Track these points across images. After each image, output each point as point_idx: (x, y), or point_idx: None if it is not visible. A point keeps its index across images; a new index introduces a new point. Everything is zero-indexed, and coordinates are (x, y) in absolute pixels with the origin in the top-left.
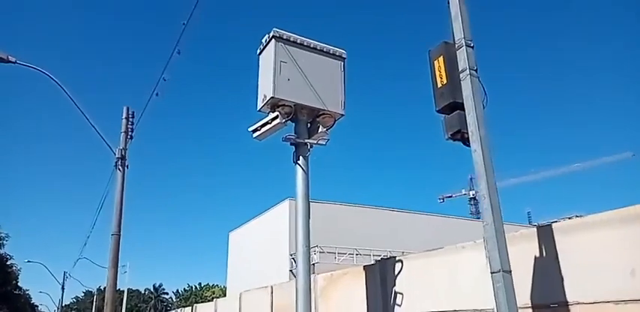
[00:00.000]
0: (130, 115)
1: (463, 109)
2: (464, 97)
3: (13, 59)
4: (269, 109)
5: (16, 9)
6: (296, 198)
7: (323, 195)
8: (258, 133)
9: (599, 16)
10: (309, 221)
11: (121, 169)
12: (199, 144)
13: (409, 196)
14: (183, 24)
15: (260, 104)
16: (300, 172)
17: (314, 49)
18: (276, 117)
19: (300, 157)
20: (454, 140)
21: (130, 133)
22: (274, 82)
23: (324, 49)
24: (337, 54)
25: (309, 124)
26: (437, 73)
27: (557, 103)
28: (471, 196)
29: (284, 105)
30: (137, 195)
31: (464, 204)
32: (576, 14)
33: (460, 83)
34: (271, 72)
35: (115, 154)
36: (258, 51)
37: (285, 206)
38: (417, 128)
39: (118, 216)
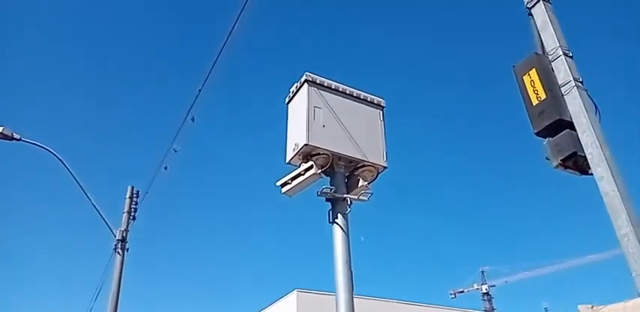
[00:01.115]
0: (135, 195)
1: (572, 128)
2: (572, 114)
3: (18, 136)
4: (300, 160)
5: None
6: (335, 265)
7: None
8: (288, 187)
9: None
10: (352, 296)
11: (120, 252)
12: (205, 228)
13: (418, 291)
14: (199, 90)
15: (290, 155)
16: (338, 233)
17: (350, 96)
18: (311, 167)
19: (339, 215)
20: (565, 168)
21: (132, 214)
22: (308, 129)
23: (361, 97)
24: (375, 102)
25: (346, 179)
26: (529, 88)
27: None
28: (484, 290)
29: (318, 154)
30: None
31: (477, 299)
32: None
33: (563, 98)
34: (304, 118)
35: (115, 236)
36: (287, 99)
37: (292, 299)
38: (423, 219)
39: (114, 306)
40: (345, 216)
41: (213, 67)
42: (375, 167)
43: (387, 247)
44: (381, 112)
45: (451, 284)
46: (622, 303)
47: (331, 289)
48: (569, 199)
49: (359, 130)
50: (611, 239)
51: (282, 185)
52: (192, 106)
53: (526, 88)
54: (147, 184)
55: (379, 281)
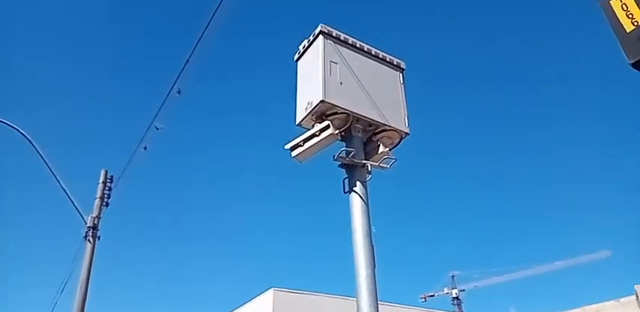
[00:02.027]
0: (108, 180)
1: None
2: None
3: None
4: (313, 122)
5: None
6: (353, 239)
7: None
8: (299, 150)
9: None
10: (374, 272)
11: (91, 240)
12: (177, 220)
13: (389, 294)
14: (187, 60)
15: (302, 115)
16: (357, 201)
17: (368, 54)
18: (327, 127)
19: (357, 183)
20: None
21: (105, 200)
22: (324, 84)
23: (380, 56)
24: (395, 63)
25: (364, 145)
26: (620, 14)
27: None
28: (454, 295)
29: (335, 114)
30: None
31: (447, 304)
32: None
33: None
34: (319, 73)
35: (85, 223)
36: (296, 56)
37: (268, 297)
38: (396, 222)
39: (82, 297)
40: (365, 184)
41: (202, 35)
42: (397, 132)
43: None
44: (401, 74)
45: (422, 288)
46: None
47: (307, 288)
48: (542, 204)
49: (378, 92)
50: (577, 247)
51: (293, 148)
52: (179, 76)
53: (616, 14)
54: (126, 166)
55: (350, 282)
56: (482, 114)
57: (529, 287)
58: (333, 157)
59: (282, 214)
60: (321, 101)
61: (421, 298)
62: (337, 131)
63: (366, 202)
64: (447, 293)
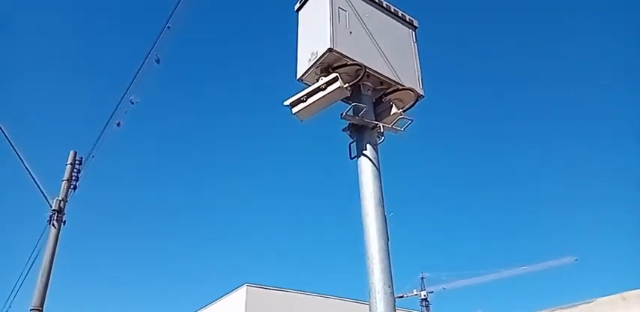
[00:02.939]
0: (77, 161)
1: None
2: None
3: None
4: (318, 75)
5: None
6: (363, 209)
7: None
8: (301, 106)
9: None
10: (388, 246)
11: (55, 225)
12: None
13: (359, 294)
14: (168, 27)
15: (304, 67)
16: (367, 167)
17: (380, 6)
18: (335, 80)
19: (368, 146)
20: None
21: (73, 182)
22: (333, 31)
23: (392, 9)
24: (408, 20)
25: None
26: None
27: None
28: (423, 296)
29: (345, 66)
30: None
31: (415, 304)
32: None
33: None
34: (327, 19)
35: (50, 206)
36: (297, 6)
37: (241, 294)
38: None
39: (43, 285)
40: (376, 148)
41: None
42: (412, 93)
43: (332, 248)
44: (413, 32)
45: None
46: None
47: (282, 285)
48: (515, 209)
49: (391, 48)
50: (545, 252)
51: (294, 104)
52: (156, 43)
53: None
54: (99, 147)
55: (321, 281)
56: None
57: (496, 290)
58: (341, 115)
59: (267, 209)
60: (329, 50)
61: None
62: (347, 85)
63: (377, 168)
64: (416, 294)
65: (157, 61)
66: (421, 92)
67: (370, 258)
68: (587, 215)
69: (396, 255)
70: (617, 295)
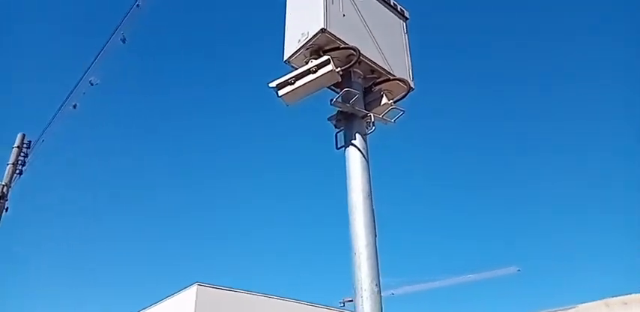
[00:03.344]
0: (25, 145)
1: None
2: None
3: None
4: (308, 57)
5: None
6: (349, 201)
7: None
8: (289, 89)
9: None
10: (375, 241)
11: None
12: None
13: (310, 298)
14: (137, 5)
15: (294, 48)
16: (356, 157)
17: None
18: (327, 63)
19: (357, 136)
20: None
21: (19, 167)
22: (326, 11)
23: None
24: (399, 10)
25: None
26: None
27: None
28: None
29: (337, 49)
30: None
31: None
32: None
33: None
34: (319, 0)
35: None
36: None
37: (191, 293)
38: (322, 229)
39: None
40: (365, 138)
41: None
42: (403, 84)
43: (283, 250)
44: (405, 23)
45: (343, 293)
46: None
47: (234, 286)
48: (470, 216)
49: (383, 36)
50: (492, 261)
51: (281, 86)
52: (123, 20)
53: None
54: (52, 130)
55: (269, 284)
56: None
57: (446, 297)
58: (330, 101)
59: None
60: (322, 30)
61: (340, 302)
62: (338, 69)
63: (366, 159)
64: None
65: (123, 41)
66: (412, 84)
67: (357, 253)
68: (561, 220)
69: (341, 257)
70: (600, 301)
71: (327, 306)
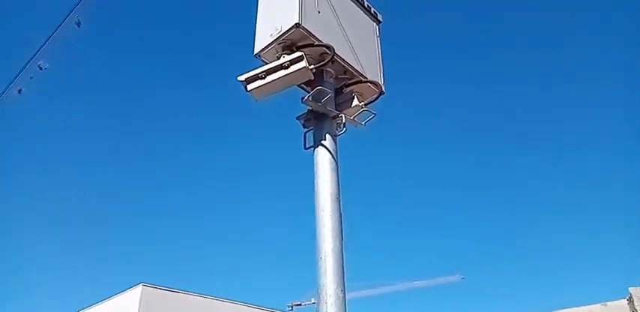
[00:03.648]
0: None
1: None
2: None
3: None
4: (280, 53)
5: None
6: (317, 203)
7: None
8: (258, 83)
9: None
10: (342, 245)
11: None
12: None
13: (259, 301)
14: None
15: (265, 42)
16: (325, 158)
17: None
18: (300, 59)
19: (327, 136)
20: None
21: None
22: (301, 6)
23: (360, 0)
24: (373, 12)
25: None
26: None
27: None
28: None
29: (310, 46)
30: None
31: None
32: None
33: None
34: None
35: None
36: None
37: (135, 294)
38: (274, 229)
39: None
40: (335, 139)
41: None
42: (376, 87)
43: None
44: (377, 26)
45: (291, 296)
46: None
47: (181, 287)
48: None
49: (356, 37)
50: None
51: (250, 80)
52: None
53: None
54: None
55: (218, 284)
56: None
57: (394, 302)
58: (302, 99)
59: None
60: (296, 25)
61: (288, 306)
62: (312, 67)
63: (335, 160)
64: (314, 303)
65: (78, 24)
66: (383, 88)
67: (323, 257)
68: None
69: (300, 262)
70: (599, 305)
71: (271, 309)
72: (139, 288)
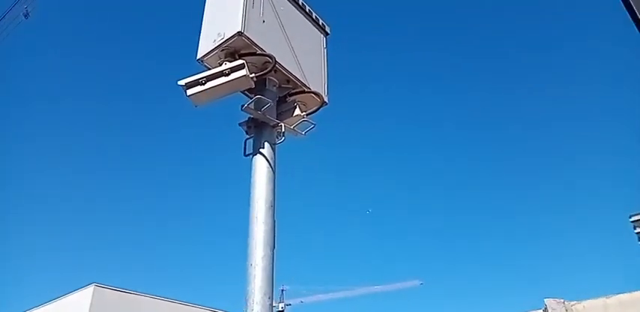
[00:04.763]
0: None
1: None
2: None
3: None
4: (222, 59)
5: None
6: (252, 210)
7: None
8: (198, 89)
9: None
10: (273, 252)
11: None
12: None
13: (218, 303)
14: None
15: (208, 48)
16: (262, 166)
17: (295, 3)
18: (241, 67)
19: (266, 144)
20: None
21: None
22: (244, 14)
23: (307, 10)
24: (321, 24)
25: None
26: None
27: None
28: (280, 308)
29: (252, 54)
30: None
31: None
32: None
33: None
34: (239, 2)
35: None
36: None
37: (87, 294)
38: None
39: None
40: (274, 147)
41: None
42: (318, 97)
43: (189, 251)
44: (325, 38)
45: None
46: (603, 298)
47: (133, 288)
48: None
49: (301, 47)
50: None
51: (190, 85)
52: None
53: None
54: None
55: (176, 285)
56: None
57: (354, 306)
58: (242, 106)
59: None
60: (239, 33)
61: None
62: (252, 75)
63: (273, 169)
64: (274, 306)
65: (25, 15)
66: (326, 99)
67: (253, 265)
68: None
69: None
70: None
71: (223, 310)
72: (91, 288)
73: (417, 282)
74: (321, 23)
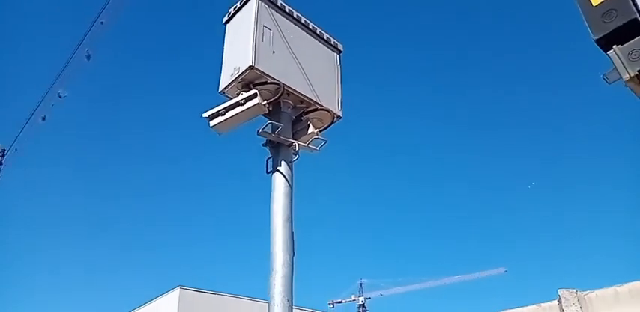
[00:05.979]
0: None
1: None
2: None
3: None
4: (239, 90)
5: None
6: (272, 223)
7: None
8: (219, 119)
9: None
10: (292, 258)
11: None
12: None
13: (299, 299)
14: (101, 23)
15: (227, 81)
16: (280, 182)
17: (305, 27)
18: (254, 96)
19: (282, 163)
20: None
21: None
22: (254, 49)
23: (318, 32)
24: (333, 43)
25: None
26: None
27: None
28: (360, 302)
29: (265, 83)
30: None
31: (352, 310)
32: None
33: None
34: (250, 36)
35: None
36: (226, 18)
37: (174, 296)
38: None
39: None
40: (290, 165)
41: None
42: (330, 113)
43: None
44: (337, 56)
45: (331, 294)
46: (614, 287)
47: (216, 289)
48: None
49: (313, 69)
50: (489, 262)
51: (212, 117)
52: (85, 37)
53: None
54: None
55: (256, 287)
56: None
57: (433, 297)
58: (257, 131)
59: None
60: (250, 67)
61: (329, 303)
62: (265, 102)
63: (289, 184)
64: (354, 300)
65: (88, 58)
66: (339, 113)
67: (274, 272)
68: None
69: (337, 261)
70: (534, 306)
71: (308, 308)
72: (177, 290)
73: (501, 269)
74: (332, 43)
